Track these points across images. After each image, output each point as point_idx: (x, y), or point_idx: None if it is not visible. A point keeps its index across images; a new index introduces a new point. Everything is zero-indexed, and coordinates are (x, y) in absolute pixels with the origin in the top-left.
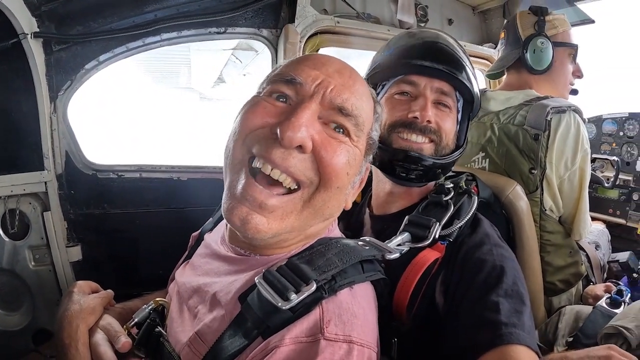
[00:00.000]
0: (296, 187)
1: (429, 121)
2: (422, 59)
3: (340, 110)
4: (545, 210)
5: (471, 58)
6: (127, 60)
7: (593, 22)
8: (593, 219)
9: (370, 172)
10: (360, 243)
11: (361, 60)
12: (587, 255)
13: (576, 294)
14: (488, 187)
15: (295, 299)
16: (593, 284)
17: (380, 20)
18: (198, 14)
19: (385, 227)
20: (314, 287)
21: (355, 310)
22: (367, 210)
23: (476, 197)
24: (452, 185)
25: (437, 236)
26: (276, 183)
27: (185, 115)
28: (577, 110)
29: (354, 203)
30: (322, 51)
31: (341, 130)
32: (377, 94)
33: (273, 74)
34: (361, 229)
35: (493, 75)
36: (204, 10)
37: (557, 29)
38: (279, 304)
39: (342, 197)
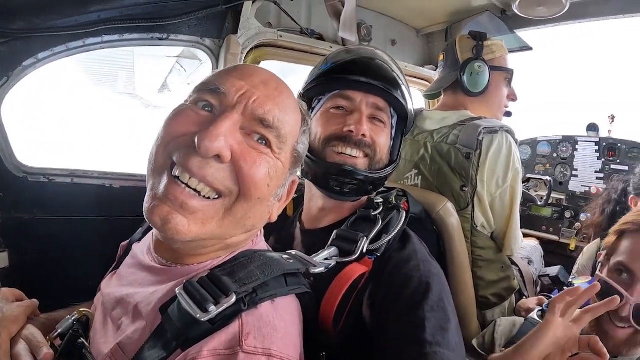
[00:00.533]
0: (216, 196)
1: (364, 135)
2: (358, 75)
3: (261, 121)
4: (477, 226)
5: (412, 79)
6: (68, 61)
7: (531, 49)
8: (527, 235)
9: (303, 186)
10: (284, 256)
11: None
12: (519, 270)
13: (509, 307)
14: (419, 203)
15: (214, 310)
16: (526, 298)
17: (324, 36)
18: (141, 18)
19: (316, 241)
20: (233, 299)
21: (276, 324)
22: (298, 224)
23: (405, 213)
24: (381, 200)
25: (364, 250)
26: (196, 193)
27: (126, 122)
28: (509, 131)
29: (286, 217)
30: (264, 64)
31: (264, 141)
32: (313, 108)
33: (200, 82)
34: (292, 243)
35: (430, 96)
36: (147, 15)
37: (494, 54)
38: (198, 316)
39: (265, 209)
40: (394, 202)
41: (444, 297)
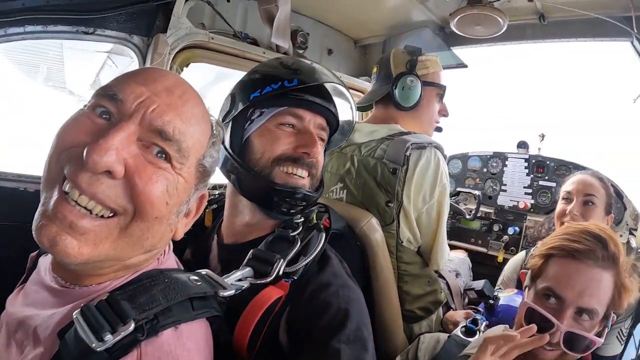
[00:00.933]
0: (111, 215)
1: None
2: (313, 95)
3: (160, 133)
4: (402, 242)
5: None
6: None
7: (466, 66)
8: (456, 247)
9: (223, 196)
10: (192, 278)
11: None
12: (447, 283)
13: (436, 320)
14: (342, 219)
15: (110, 340)
16: (453, 310)
17: (258, 41)
18: (68, 10)
19: (234, 257)
20: (131, 326)
21: (178, 353)
22: (216, 238)
23: (325, 233)
24: (301, 219)
25: (280, 273)
26: (88, 211)
27: (57, 117)
28: (438, 147)
29: (204, 227)
30: (193, 66)
31: (163, 155)
32: (252, 120)
33: (101, 86)
34: (208, 257)
35: (362, 108)
36: (74, 7)
37: (427, 69)
38: (93, 345)
39: (165, 228)
40: (315, 220)
41: (362, 326)
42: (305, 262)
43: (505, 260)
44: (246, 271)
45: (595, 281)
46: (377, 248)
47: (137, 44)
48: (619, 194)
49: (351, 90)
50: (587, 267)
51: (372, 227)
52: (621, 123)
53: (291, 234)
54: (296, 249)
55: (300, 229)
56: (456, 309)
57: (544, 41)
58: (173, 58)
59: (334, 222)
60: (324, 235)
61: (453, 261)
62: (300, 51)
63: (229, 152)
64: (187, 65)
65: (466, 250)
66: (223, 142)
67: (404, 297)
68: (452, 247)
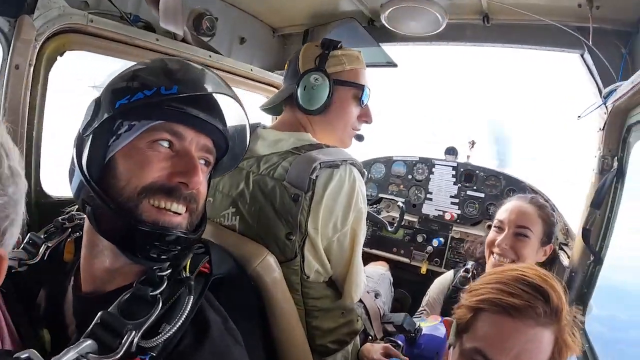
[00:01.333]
0: None
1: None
2: (198, 109)
3: None
4: (309, 277)
5: (260, 85)
6: None
7: (396, 65)
8: (377, 257)
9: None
10: None
11: None
12: (365, 307)
13: (353, 349)
14: (229, 259)
15: None
16: (371, 337)
17: (154, 26)
18: None
19: (92, 311)
20: None
21: None
22: (72, 282)
23: (192, 297)
24: (169, 271)
25: (133, 349)
26: None
27: None
28: (354, 164)
29: (64, 263)
30: (69, 55)
31: None
32: (118, 135)
33: None
34: (62, 307)
35: (269, 110)
36: None
37: (343, 66)
38: None
39: None
40: (186, 272)
41: None
42: (167, 335)
43: (429, 272)
44: (86, 346)
45: (535, 342)
46: (274, 290)
47: (2, 27)
48: (552, 208)
49: (266, 87)
50: (526, 327)
51: (268, 267)
52: (562, 135)
53: (151, 293)
54: (156, 314)
55: (165, 284)
56: (375, 335)
57: (485, 45)
58: (42, 45)
59: (217, 265)
60: (191, 300)
61: (372, 278)
62: (206, 39)
63: (84, 177)
64: (61, 54)
65: (387, 260)
66: (80, 163)
67: (314, 333)
68: (373, 257)
